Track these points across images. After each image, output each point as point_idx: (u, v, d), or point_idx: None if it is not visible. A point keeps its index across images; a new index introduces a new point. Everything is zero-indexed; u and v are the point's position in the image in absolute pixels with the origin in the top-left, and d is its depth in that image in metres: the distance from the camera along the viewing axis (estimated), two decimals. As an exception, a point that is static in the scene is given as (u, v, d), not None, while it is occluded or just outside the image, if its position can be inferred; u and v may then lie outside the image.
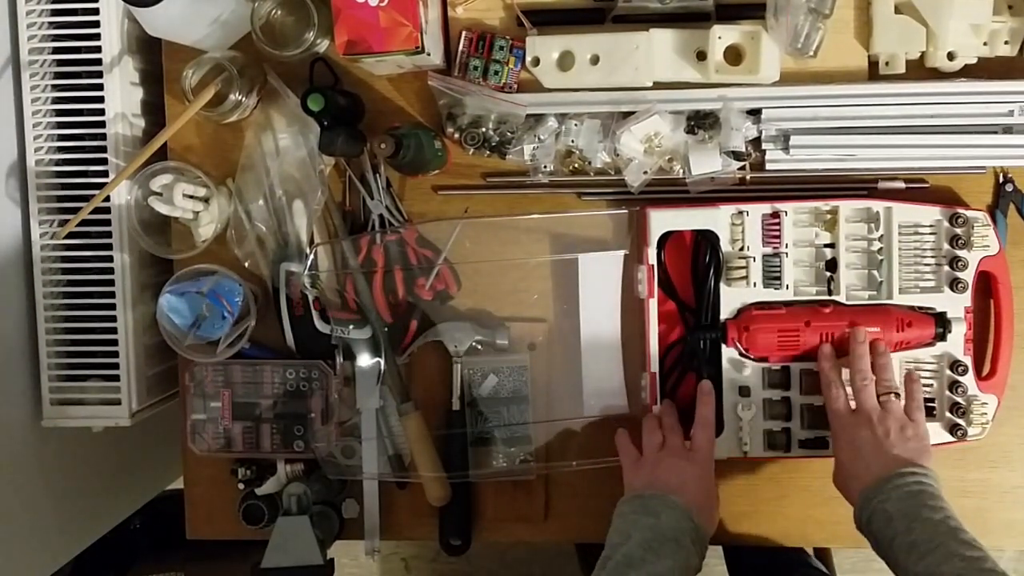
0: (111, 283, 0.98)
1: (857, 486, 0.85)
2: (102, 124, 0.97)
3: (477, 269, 1.00)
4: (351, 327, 0.98)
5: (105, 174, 0.97)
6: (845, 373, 0.92)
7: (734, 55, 0.94)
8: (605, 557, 0.83)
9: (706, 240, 0.96)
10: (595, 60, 0.94)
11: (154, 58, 1.01)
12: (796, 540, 1.02)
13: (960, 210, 0.95)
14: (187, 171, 0.98)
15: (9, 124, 0.97)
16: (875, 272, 0.95)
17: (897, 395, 0.89)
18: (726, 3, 0.94)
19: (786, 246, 0.95)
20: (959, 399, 0.95)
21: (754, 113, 0.95)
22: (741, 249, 0.95)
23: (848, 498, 0.87)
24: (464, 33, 0.96)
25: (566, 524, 1.02)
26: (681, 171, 0.96)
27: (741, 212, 0.95)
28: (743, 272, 0.95)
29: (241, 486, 1.01)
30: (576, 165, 0.97)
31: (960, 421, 0.95)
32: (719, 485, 0.97)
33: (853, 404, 0.90)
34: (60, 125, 0.98)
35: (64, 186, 0.98)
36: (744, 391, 0.96)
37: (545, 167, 0.96)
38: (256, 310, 0.97)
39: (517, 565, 1.77)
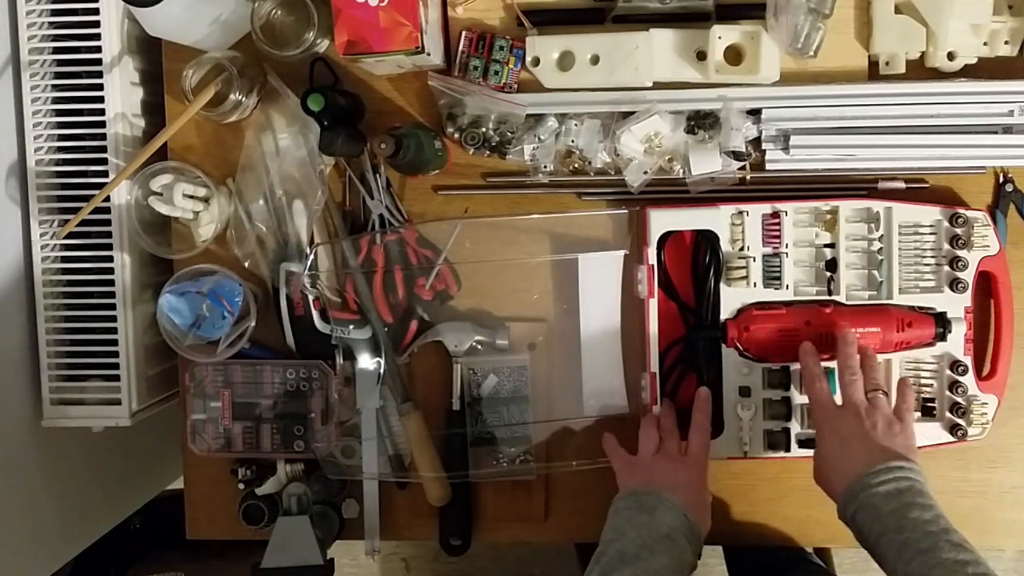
0: (111, 283, 0.98)
1: (841, 479, 0.82)
2: (102, 124, 0.97)
3: (477, 269, 1.00)
4: (351, 327, 0.98)
5: (105, 174, 0.97)
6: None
7: (734, 55, 0.94)
8: (599, 553, 0.83)
9: (706, 240, 0.96)
10: (595, 60, 0.94)
11: (154, 58, 1.01)
12: (796, 540, 1.02)
13: (960, 210, 0.95)
14: (187, 171, 0.98)
15: (9, 124, 0.97)
16: (875, 272, 0.95)
17: (885, 393, 0.88)
18: (726, 3, 0.94)
19: (786, 246, 0.95)
20: (959, 399, 0.95)
21: (754, 113, 0.95)
22: (741, 249, 0.95)
23: (829, 492, 0.85)
24: (464, 33, 0.96)
25: (566, 524, 1.02)
26: (681, 171, 0.96)
27: (741, 212, 0.95)
28: (743, 272, 0.95)
29: (241, 486, 1.01)
30: (576, 165, 0.97)
31: (960, 421, 0.95)
32: (719, 486, 0.98)
33: (839, 400, 0.88)
34: (60, 125, 0.98)
35: (64, 186, 0.98)
36: (744, 391, 0.96)
37: (545, 167, 0.96)
38: (256, 310, 0.97)
39: (517, 565, 1.77)
